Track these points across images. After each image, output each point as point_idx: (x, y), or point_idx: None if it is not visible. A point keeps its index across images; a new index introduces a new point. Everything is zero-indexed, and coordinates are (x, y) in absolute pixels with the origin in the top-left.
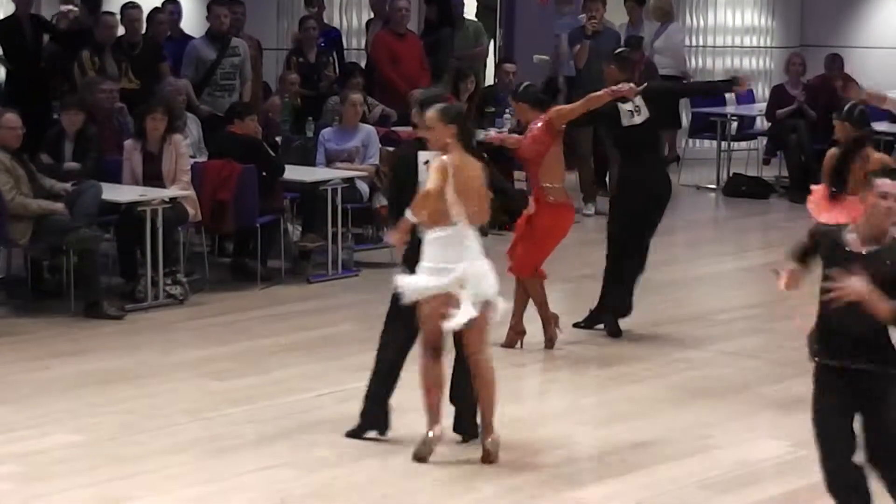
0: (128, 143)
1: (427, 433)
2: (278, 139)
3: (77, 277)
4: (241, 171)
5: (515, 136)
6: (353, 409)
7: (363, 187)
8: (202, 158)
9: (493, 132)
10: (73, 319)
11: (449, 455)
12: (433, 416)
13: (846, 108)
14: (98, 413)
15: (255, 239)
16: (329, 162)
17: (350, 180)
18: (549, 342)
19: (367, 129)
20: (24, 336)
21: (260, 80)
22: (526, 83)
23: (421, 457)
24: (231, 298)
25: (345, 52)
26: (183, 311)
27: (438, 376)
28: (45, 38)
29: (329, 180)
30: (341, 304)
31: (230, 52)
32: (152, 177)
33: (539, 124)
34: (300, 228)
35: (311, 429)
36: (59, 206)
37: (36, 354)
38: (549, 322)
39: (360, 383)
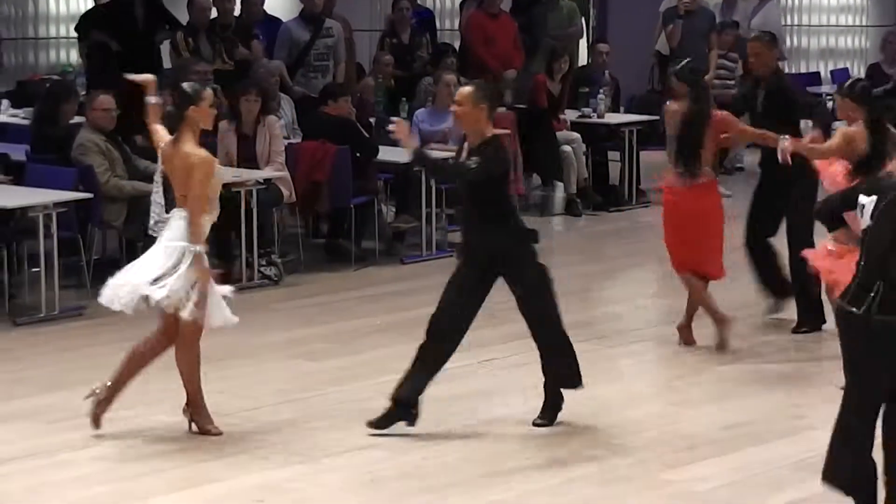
0: (222, 124)
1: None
2: (372, 120)
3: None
4: (335, 153)
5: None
6: (444, 391)
7: None
8: (296, 140)
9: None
10: None
11: (538, 437)
12: None
13: None
14: None
15: (350, 220)
16: (423, 143)
17: None
18: (723, 345)
19: None
20: (116, 316)
21: (353, 61)
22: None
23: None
24: (325, 279)
25: (438, 32)
26: (277, 292)
27: None
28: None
29: None
30: (435, 284)
31: (324, 33)
32: (247, 158)
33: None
34: (394, 209)
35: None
36: (152, 187)
37: (131, 336)
38: (722, 323)
39: (452, 364)
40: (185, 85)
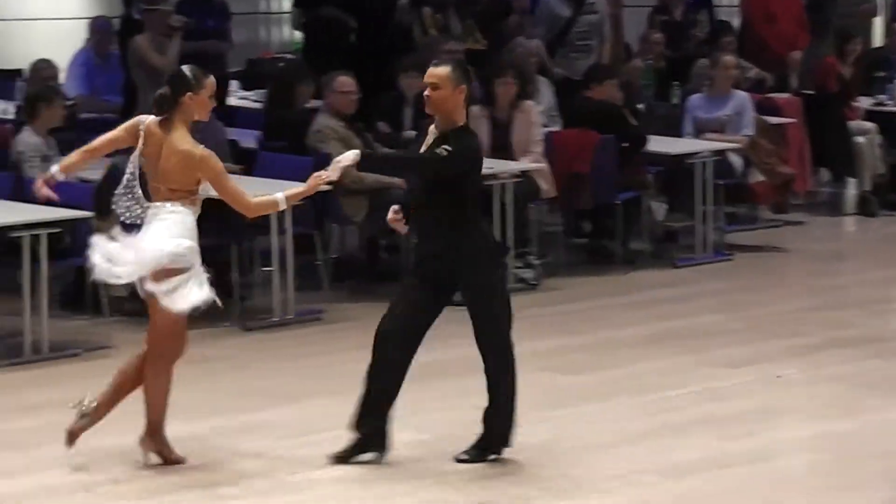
0: (474, 109)
1: None
2: (640, 106)
3: None
4: (598, 142)
5: None
6: (723, 410)
7: (736, 161)
8: (555, 127)
9: None
10: None
11: (822, 463)
12: None
13: None
14: (438, 409)
15: (615, 217)
16: (697, 132)
17: (721, 153)
18: None
19: (740, 96)
20: (358, 321)
21: (620, 41)
22: None
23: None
24: (587, 283)
25: (715, 9)
26: (534, 296)
27: None
28: None
29: (697, 152)
30: (710, 290)
31: (587, 10)
32: (500, 148)
33: None
34: (665, 206)
35: (674, 430)
36: (397, 179)
37: (370, 342)
38: None
39: (731, 381)
40: (186, 68)
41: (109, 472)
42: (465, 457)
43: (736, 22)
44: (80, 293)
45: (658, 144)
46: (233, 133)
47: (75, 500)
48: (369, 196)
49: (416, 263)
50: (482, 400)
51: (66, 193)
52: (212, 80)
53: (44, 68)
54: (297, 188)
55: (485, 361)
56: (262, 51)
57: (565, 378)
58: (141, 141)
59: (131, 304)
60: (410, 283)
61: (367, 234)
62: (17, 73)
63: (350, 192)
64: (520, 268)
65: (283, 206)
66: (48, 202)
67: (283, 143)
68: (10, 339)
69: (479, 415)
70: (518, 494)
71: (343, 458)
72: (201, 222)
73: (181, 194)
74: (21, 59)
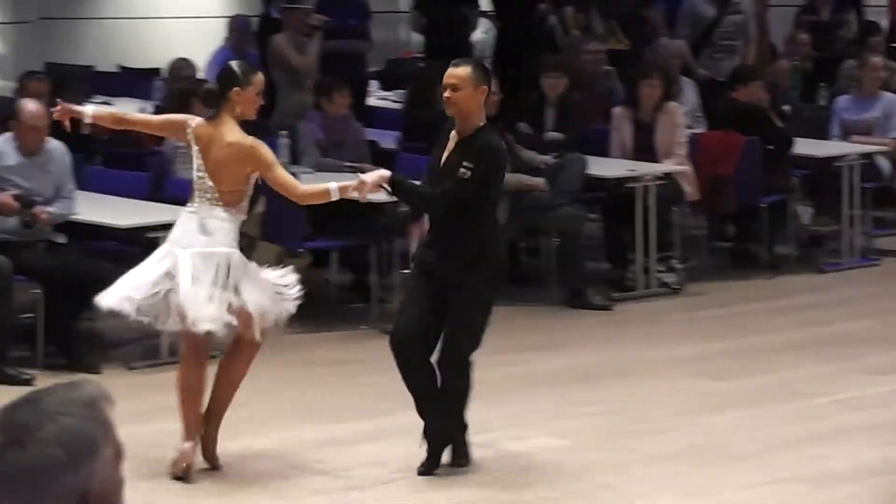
0: (617, 111)
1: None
2: (786, 108)
3: (558, 262)
4: (743, 144)
5: None
6: (872, 418)
7: (884, 164)
8: (699, 129)
9: None
10: (554, 309)
11: None
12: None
13: None
14: (580, 414)
15: (759, 221)
16: (845, 134)
17: (869, 156)
18: None
19: (888, 98)
20: (499, 326)
21: (766, 41)
22: None
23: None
24: (731, 288)
25: (863, 9)
26: (677, 301)
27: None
28: None
29: (844, 155)
30: (858, 296)
31: (731, 9)
32: (644, 149)
33: None
34: (811, 210)
35: (822, 439)
36: (539, 181)
37: (512, 346)
38: None
39: (880, 388)
40: (234, 63)
41: (250, 470)
42: (421, 469)
43: (884, 22)
44: None
45: (804, 147)
46: (372, 133)
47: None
48: (510, 198)
49: (421, 264)
50: (618, 406)
51: None
52: (260, 77)
53: (182, 67)
54: (348, 182)
55: (440, 370)
56: (401, 51)
57: (710, 384)
58: (193, 144)
59: None
60: (418, 286)
61: (508, 236)
62: (155, 72)
63: None
64: (662, 272)
65: (335, 196)
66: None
67: (422, 143)
68: (147, 341)
69: (616, 420)
70: (664, 502)
71: (428, 469)
72: (341, 224)
73: (230, 197)
74: (160, 59)
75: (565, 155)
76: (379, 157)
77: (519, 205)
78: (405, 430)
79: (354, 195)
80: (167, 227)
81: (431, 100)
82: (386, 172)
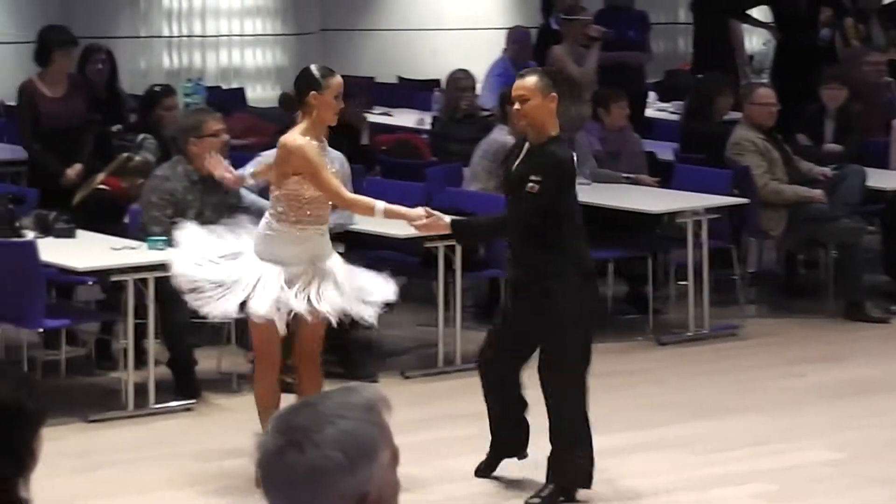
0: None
1: None
2: None
3: (836, 274)
4: None
5: None
6: None
7: None
8: None
9: None
10: (832, 321)
11: None
12: None
13: None
14: (858, 427)
15: None
16: None
17: None
18: None
19: None
20: (776, 338)
21: None
22: None
23: None
24: None
25: None
26: None
27: None
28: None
29: None
30: None
31: None
32: None
33: None
34: None
35: None
36: (818, 193)
37: (790, 359)
38: None
39: None
40: (313, 67)
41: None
42: (535, 500)
43: None
44: (494, 305)
45: None
46: (649, 145)
47: None
48: (788, 210)
49: (510, 288)
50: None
51: (474, 203)
52: (338, 80)
53: (461, 78)
54: (403, 209)
55: (545, 394)
56: (680, 62)
57: None
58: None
59: None
60: (506, 312)
61: (785, 248)
62: (434, 83)
63: (768, 206)
64: None
65: (378, 215)
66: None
67: (699, 155)
68: (423, 350)
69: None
70: None
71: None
72: (614, 236)
73: (283, 207)
74: (438, 70)
75: (845, 167)
76: (656, 169)
77: (797, 216)
78: (677, 441)
79: (410, 225)
80: (444, 238)
81: (710, 111)
82: (446, 221)
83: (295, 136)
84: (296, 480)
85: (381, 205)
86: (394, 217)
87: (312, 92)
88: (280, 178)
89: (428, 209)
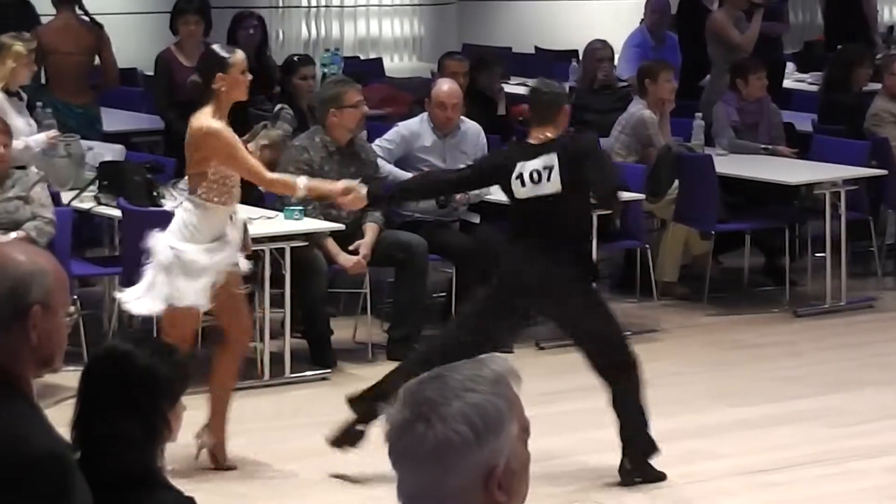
0: None
1: None
2: None
3: None
4: None
5: None
6: None
7: None
8: None
9: None
10: None
11: None
12: None
13: None
14: None
15: None
16: None
17: None
18: None
19: None
20: None
21: None
22: None
23: None
24: None
25: None
26: None
27: None
28: None
29: None
30: None
31: None
32: None
33: None
34: None
35: None
36: None
37: None
38: None
39: None
40: (216, 46)
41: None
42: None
43: None
44: (630, 276)
45: None
46: (788, 116)
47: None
48: None
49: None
50: None
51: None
52: (241, 55)
53: (598, 48)
54: (325, 185)
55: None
56: (817, 33)
57: None
58: None
59: (681, 288)
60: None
61: None
62: (572, 53)
63: None
64: None
65: (301, 193)
66: None
67: (838, 126)
68: None
69: None
70: None
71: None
72: (751, 207)
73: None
74: (576, 40)
75: None
76: (794, 140)
77: None
78: (811, 414)
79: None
80: None
81: (849, 82)
82: (362, 193)
83: (208, 121)
84: (423, 454)
85: (302, 182)
86: (316, 194)
87: (219, 73)
88: (197, 162)
89: (349, 183)
